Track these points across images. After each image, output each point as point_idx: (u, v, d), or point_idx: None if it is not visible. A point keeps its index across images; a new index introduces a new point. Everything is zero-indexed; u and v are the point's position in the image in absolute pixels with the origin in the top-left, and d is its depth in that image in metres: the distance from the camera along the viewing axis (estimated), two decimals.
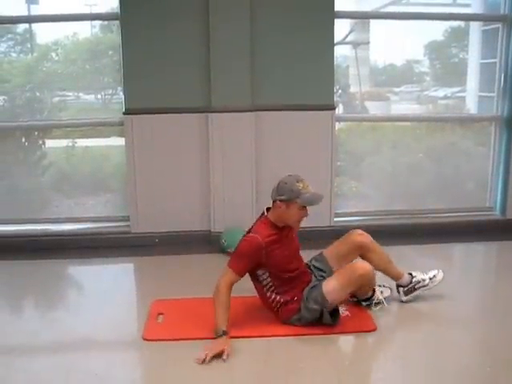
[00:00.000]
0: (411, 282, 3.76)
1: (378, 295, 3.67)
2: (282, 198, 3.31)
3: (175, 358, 3.13)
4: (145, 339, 3.33)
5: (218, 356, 3.04)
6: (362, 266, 3.43)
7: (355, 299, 3.65)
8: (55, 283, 4.43)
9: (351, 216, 5.32)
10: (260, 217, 3.48)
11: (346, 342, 3.45)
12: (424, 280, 3.77)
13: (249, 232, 3.40)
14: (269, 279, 3.37)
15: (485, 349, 3.32)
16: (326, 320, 3.36)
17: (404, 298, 3.76)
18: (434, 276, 3.80)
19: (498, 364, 3.08)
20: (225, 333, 3.15)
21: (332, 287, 3.35)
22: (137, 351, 3.34)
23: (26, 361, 3.19)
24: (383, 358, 3.29)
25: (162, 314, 3.63)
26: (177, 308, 3.52)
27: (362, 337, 3.41)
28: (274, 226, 3.38)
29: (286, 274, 3.39)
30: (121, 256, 4.89)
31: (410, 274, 3.80)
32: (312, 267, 3.65)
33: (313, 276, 3.56)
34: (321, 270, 3.59)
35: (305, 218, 3.38)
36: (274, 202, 3.37)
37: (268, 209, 3.44)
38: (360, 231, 3.75)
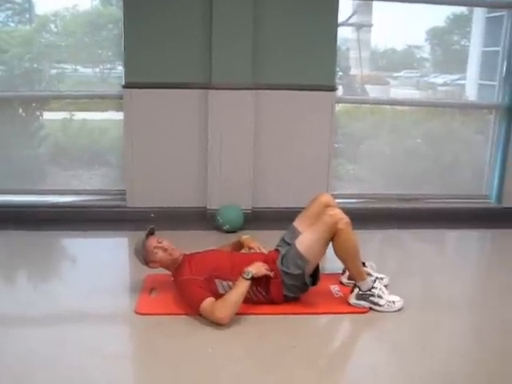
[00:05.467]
0: (369, 290, 3.45)
1: (378, 285, 3.45)
2: (144, 262, 3.51)
3: (167, 332, 3.15)
4: (137, 313, 3.34)
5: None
6: (330, 209, 3.42)
7: (352, 282, 3.56)
8: (50, 255, 4.43)
9: (348, 198, 5.31)
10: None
11: (338, 323, 3.46)
12: (381, 297, 3.43)
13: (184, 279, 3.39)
14: (225, 282, 3.36)
15: (477, 334, 3.35)
16: (307, 281, 3.37)
17: (352, 301, 3.47)
18: (394, 302, 3.44)
19: (489, 348, 3.10)
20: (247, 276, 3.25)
21: (307, 241, 3.35)
22: (129, 325, 3.34)
23: (18, 332, 3.19)
24: (375, 340, 3.29)
25: (155, 288, 3.64)
26: (170, 283, 3.51)
27: (355, 318, 3.41)
28: (180, 266, 3.46)
29: (224, 270, 3.40)
30: (116, 230, 4.89)
31: (373, 281, 3.49)
32: (280, 243, 3.64)
33: (280, 251, 3.54)
34: (288, 243, 3.53)
35: (162, 245, 3.46)
36: (149, 265, 3.55)
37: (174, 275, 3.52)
38: (325, 193, 3.84)
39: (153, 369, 2.84)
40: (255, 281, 3.32)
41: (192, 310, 3.27)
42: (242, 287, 3.24)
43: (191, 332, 3.15)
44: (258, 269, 3.31)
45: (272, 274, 3.36)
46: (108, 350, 2.96)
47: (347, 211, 3.44)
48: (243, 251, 3.77)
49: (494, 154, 5.54)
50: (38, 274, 4.16)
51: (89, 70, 5.52)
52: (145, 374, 2.89)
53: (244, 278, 3.25)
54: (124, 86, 4.89)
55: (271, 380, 2.75)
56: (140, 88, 4.86)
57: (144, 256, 3.48)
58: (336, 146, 5.35)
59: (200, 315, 3.22)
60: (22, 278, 4.18)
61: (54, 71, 5.36)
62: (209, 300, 3.19)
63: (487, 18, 5.67)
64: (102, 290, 3.64)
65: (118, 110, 5.08)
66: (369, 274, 3.58)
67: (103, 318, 3.38)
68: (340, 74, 5.53)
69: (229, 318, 3.16)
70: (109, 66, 5.46)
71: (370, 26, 5.70)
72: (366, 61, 5.82)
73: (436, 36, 5.80)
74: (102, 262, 4.18)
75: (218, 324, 3.15)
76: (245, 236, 3.86)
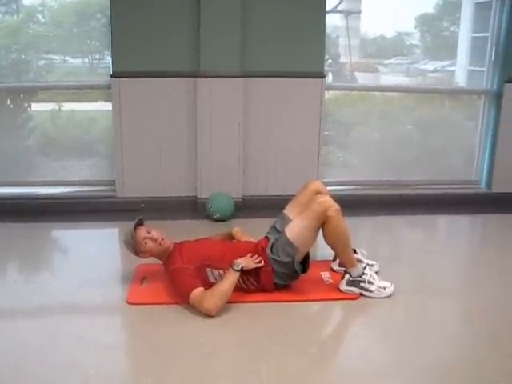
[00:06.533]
0: (360, 277, 3.46)
1: (368, 272, 3.47)
2: (135, 253, 3.52)
3: (158, 322, 3.16)
4: (129, 303, 3.35)
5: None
6: (319, 196, 3.42)
7: (343, 269, 3.57)
8: (40, 247, 4.41)
9: (338, 185, 5.31)
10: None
11: (329, 310, 3.46)
12: (372, 283, 3.44)
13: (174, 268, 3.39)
14: (216, 271, 3.35)
15: (468, 319, 3.37)
16: (297, 268, 3.38)
17: (343, 287, 3.48)
18: (384, 288, 3.45)
19: (480, 334, 3.12)
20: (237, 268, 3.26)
21: (296, 229, 3.36)
22: (121, 315, 3.35)
23: (10, 324, 3.19)
24: (366, 326, 3.30)
25: (146, 278, 3.65)
26: (161, 272, 3.51)
27: (346, 304, 3.42)
28: (171, 255, 3.46)
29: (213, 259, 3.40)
30: (106, 220, 4.89)
31: (364, 267, 3.51)
32: (270, 231, 3.63)
33: (270, 239, 3.53)
34: (278, 231, 3.52)
35: (151, 235, 3.44)
36: (140, 256, 3.56)
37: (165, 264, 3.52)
38: (315, 180, 3.88)
39: (144, 358, 2.85)
40: (245, 270, 3.32)
41: (181, 299, 3.27)
42: (231, 279, 3.24)
43: (182, 321, 3.14)
44: (247, 262, 3.32)
45: (262, 264, 3.36)
46: (99, 341, 2.96)
47: (338, 198, 3.45)
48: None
49: (484, 140, 5.56)
50: (28, 267, 4.14)
51: (78, 61, 5.48)
52: (136, 363, 2.90)
53: (233, 269, 3.25)
54: (112, 76, 4.87)
55: (263, 367, 2.76)
56: (128, 77, 4.84)
57: (134, 247, 3.48)
58: (326, 133, 5.34)
59: (189, 304, 3.22)
60: (11, 271, 4.16)
61: (42, 62, 5.31)
62: (198, 290, 3.19)
63: (476, 3, 5.65)
64: (93, 281, 3.64)
65: (106, 101, 5.05)
66: (359, 261, 3.59)
67: (94, 309, 3.37)
68: (329, 61, 5.51)
69: (217, 308, 3.16)
70: (98, 56, 5.42)
71: (359, 12, 5.70)
72: (356, 48, 5.81)
73: (425, 22, 5.79)
74: (92, 253, 4.17)
75: (206, 314, 3.15)
76: (236, 229, 3.88)
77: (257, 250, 3.45)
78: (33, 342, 2.95)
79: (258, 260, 3.36)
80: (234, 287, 3.24)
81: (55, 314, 3.30)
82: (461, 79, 5.87)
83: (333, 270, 3.78)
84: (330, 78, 5.41)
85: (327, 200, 3.36)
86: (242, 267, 3.26)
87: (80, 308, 3.35)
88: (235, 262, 3.28)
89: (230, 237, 3.85)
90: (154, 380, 2.62)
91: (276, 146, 5.09)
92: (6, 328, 3.13)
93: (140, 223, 3.53)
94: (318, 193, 3.56)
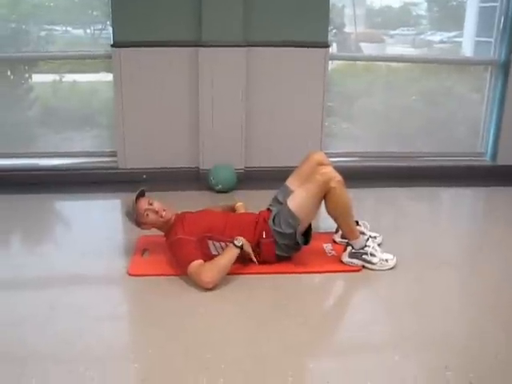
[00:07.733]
0: (362, 249, 3.44)
1: (371, 244, 3.45)
2: (136, 224, 3.50)
3: (160, 293, 3.15)
4: (130, 274, 3.34)
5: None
6: (322, 167, 3.40)
7: (345, 241, 3.54)
8: (42, 218, 4.41)
9: (341, 157, 5.27)
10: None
11: (330, 282, 3.45)
12: (374, 256, 3.43)
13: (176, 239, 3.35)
14: (217, 243, 3.34)
15: (470, 291, 3.34)
16: (299, 240, 3.36)
17: (345, 259, 3.47)
18: (386, 260, 3.44)
19: (482, 306, 3.10)
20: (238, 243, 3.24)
21: (298, 200, 3.34)
22: (122, 286, 3.34)
23: (10, 294, 3.19)
24: (368, 298, 3.30)
25: (147, 249, 3.64)
26: (162, 244, 3.49)
27: (348, 276, 3.41)
28: (173, 226, 3.43)
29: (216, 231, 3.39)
30: (108, 192, 4.87)
31: (366, 240, 3.50)
32: (272, 203, 3.62)
33: (272, 210, 3.51)
34: (280, 202, 3.50)
35: (153, 207, 3.41)
36: (141, 227, 3.54)
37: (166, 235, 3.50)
38: (318, 151, 3.85)
39: (146, 329, 2.85)
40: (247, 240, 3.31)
41: (181, 269, 3.26)
42: (230, 253, 3.22)
43: (184, 292, 3.14)
44: (247, 245, 3.28)
45: (255, 260, 3.32)
46: (101, 312, 2.96)
47: (341, 169, 3.42)
48: None
49: (490, 112, 5.49)
50: (30, 238, 4.14)
51: (79, 31, 5.41)
52: (138, 334, 2.90)
53: (235, 245, 3.23)
54: (113, 45, 4.81)
55: (263, 338, 2.75)
56: (129, 47, 4.78)
57: (135, 218, 3.46)
58: (330, 104, 5.29)
59: (187, 275, 3.21)
60: (13, 242, 4.15)
61: (42, 33, 5.24)
62: (197, 262, 3.17)
63: None
64: (95, 253, 3.64)
65: (108, 71, 5.01)
66: (362, 233, 3.56)
67: (96, 280, 3.37)
68: (334, 31, 5.43)
69: (214, 282, 3.14)
70: (100, 26, 5.35)
71: None
72: (362, 18, 5.72)
73: None
74: (94, 224, 4.18)
75: (202, 287, 3.13)
76: (239, 203, 3.85)
77: (258, 221, 3.43)
78: (34, 313, 2.95)
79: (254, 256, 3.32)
80: (232, 262, 3.22)
81: (56, 286, 3.30)
82: (468, 50, 5.78)
83: (335, 242, 3.76)
84: (334, 49, 5.33)
85: (330, 171, 3.33)
86: (242, 244, 3.23)
87: (81, 279, 3.34)
88: (237, 237, 3.25)
89: (232, 210, 3.83)
90: (154, 351, 2.61)
91: (279, 116, 5.04)
92: (7, 299, 3.12)
93: (142, 194, 3.50)
94: (321, 164, 3.52)
